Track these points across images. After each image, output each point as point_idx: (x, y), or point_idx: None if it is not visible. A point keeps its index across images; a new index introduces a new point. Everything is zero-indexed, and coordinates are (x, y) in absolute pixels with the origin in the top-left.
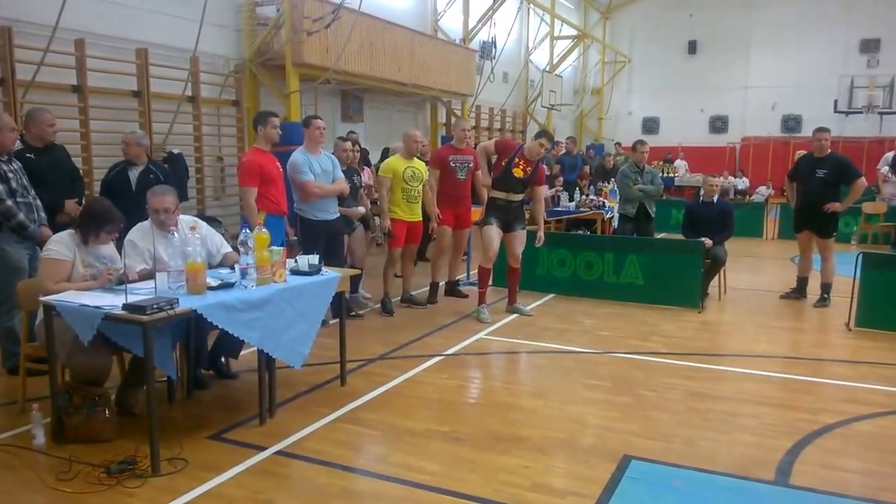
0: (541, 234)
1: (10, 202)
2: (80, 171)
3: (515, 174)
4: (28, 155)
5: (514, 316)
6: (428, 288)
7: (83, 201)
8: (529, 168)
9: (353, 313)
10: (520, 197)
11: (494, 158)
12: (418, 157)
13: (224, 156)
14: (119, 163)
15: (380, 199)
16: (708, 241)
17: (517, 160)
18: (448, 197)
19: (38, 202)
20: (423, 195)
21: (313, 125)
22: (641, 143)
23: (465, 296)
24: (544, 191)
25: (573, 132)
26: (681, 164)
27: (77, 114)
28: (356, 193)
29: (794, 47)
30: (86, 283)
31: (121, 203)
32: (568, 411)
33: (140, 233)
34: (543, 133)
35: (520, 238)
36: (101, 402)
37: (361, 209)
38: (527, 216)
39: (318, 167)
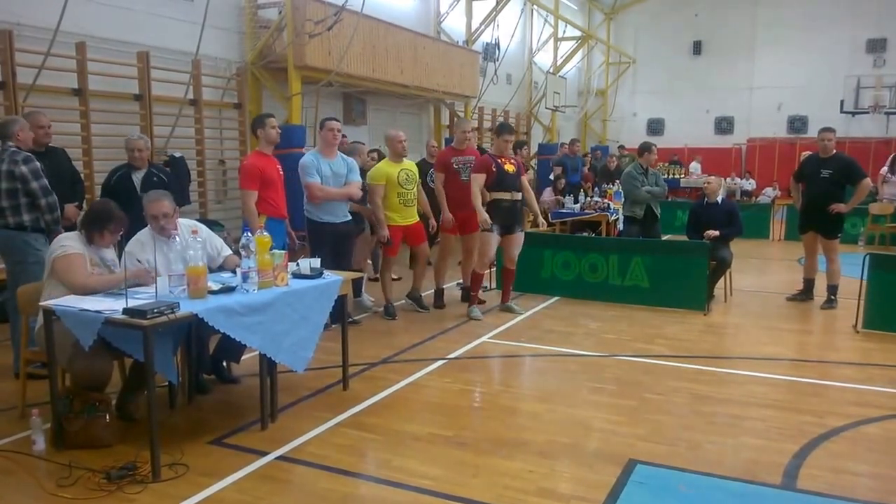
0: (540, 219)
1: (55, 195)
2: (81, 175)
3: (509, 171)
4: None
5: (518, 319)
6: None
7: (83, 205)
8: (513, 161)
9: (351, 319)
10: (520, 195)
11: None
12: (428, 159)
13: (226, 159)
14: (120, 167)
15: (374, 209)
16: (714, 233)
17: (500, 160)
18: (453, 199)
19: None
20: (419, 196)
21: (326, 127)
22: (650, 147)
23: (483, 301)
24: (527, 178)
25: (577, 134)
26: (696, 165)
27: (78, 117)
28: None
29: (800, 47)
30: (118, 276)
31: (126, 207)
32: (572, 415)
33: (138, 245)
34: (503, 127)
35: (518, 240)
36: (101, 407)
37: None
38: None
39: (327, 169)
